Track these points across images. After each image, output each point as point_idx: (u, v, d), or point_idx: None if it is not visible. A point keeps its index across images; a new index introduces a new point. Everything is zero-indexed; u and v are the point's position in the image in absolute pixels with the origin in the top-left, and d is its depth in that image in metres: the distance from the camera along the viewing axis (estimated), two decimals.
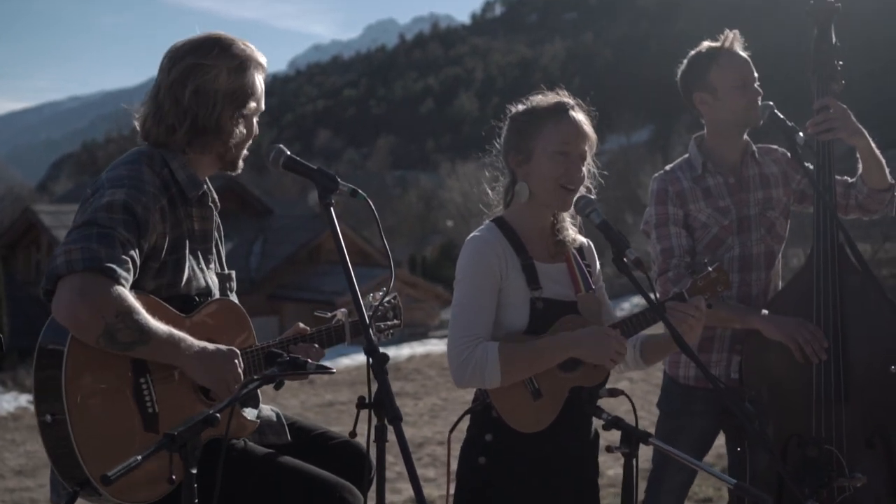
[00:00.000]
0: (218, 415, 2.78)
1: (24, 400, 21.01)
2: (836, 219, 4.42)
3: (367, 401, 2.98)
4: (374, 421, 3.02)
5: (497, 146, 3.88)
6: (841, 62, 4.55)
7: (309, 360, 3.06)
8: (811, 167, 4.54)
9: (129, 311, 3.15)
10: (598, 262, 4.01)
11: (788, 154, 4.73)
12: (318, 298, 39.63)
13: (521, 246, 3.75)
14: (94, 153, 72.62)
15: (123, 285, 3.18)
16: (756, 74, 4.60)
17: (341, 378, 22.05)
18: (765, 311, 4.48)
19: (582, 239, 3.95)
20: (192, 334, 3.34)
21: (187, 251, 3.47)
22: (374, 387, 2.89)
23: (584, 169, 3.75)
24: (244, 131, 3.56)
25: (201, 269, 3.54)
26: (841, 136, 4.45)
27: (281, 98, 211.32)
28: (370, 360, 2.86)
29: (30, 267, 40.03)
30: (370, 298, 3.82)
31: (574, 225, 3.91)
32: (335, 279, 40.92)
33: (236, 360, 3.36)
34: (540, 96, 3.84)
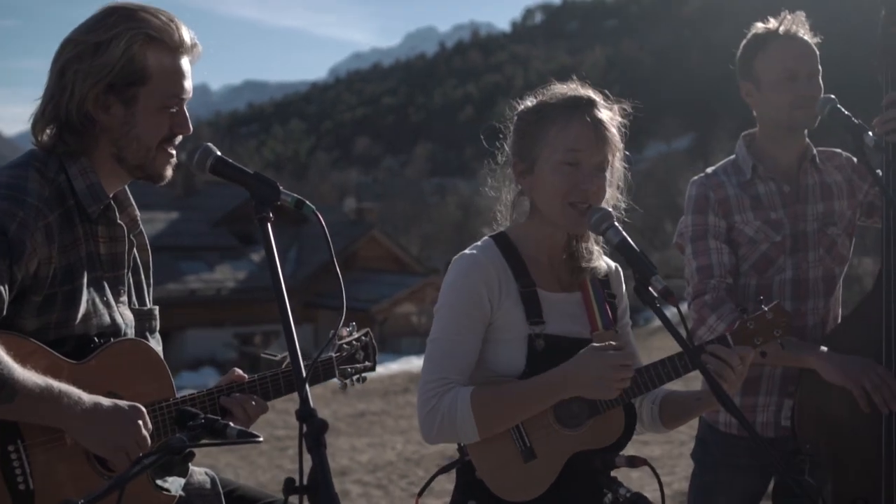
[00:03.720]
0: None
1: None
2: None
3: (296, 484, 2.22)
4: None
5: (507, 148, 3.19)
6: None
7: (230, 424, 2.36)
8: (881, 173, 3.77)
9: None
10: (625, 293, 3.29)
11: (854, 159, 4.03)
12: (355, 306, 39.37)
13: (523, 269, 3.06)
14: None
15: None
16: (818, 66, 3.87)
17: (373, 387, 21.81)
18: (823, 348, 3.76)
19: (609, 264, 3.23)
20: (85, 385, 2.62)
21: (85, 280, 2.75)
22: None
23: (608, 181, 3.04)
24: (134, 121, 2.82)
25: (106, 304, 2.82)
26: None
27: (320, 106, 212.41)
28: (303, 427, 2.14)
29: None
30: (335, 336, 3.12)
31: (601, 248, 3.20)
32: (371, 287, 40.76)
33: (140, 421, 2.63)
34: (556, 88, 3.12)
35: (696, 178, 4.06)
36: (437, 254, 59.71)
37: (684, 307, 3.52)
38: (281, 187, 2.58)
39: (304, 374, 2.25)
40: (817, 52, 3.91)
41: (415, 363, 31.28)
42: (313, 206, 2.62)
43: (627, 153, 3.16)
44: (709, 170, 4.08)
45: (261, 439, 2.38)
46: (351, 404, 18.93)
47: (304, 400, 2.18)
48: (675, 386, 3.13)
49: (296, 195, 2.59)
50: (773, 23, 3.91)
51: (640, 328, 29.34)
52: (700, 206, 3.95)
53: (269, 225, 2.50)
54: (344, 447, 14.71)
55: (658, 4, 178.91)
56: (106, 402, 2.62)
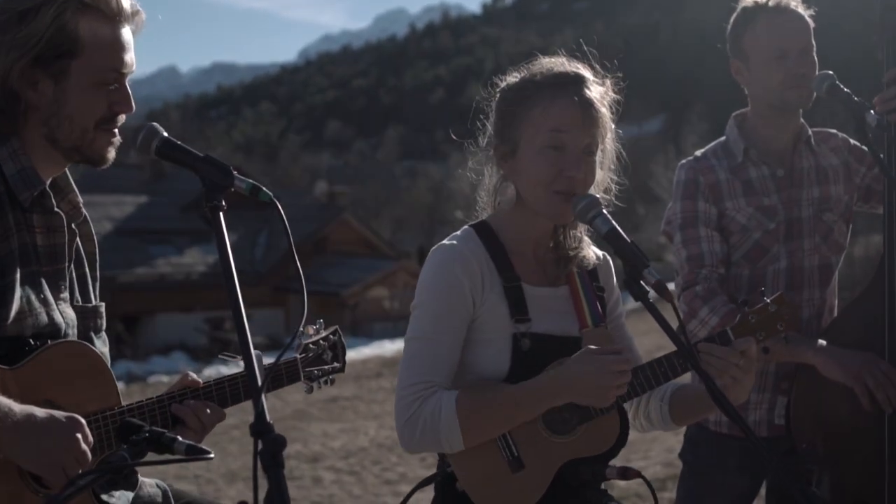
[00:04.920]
0: None
1: None
2: None
3: None
4: None
5: (489, 128, 2.92)
6: None
7: (178, 438, 2.10)
8: (882, 156, 3.53)
9: None
10: (615, 285, 3.04)
11: (851, 141, 3.81)
12: (325, 290, 39.16)
13: (507, 262, 2.80)
14: None
15: None
16: (811, 41, 3.64)
17: (346, 372, 21.56)
18: (821, 342, 3.53)
19: (596, 254, 2.97)
20: (17, 394, 2.34)
21: (18, 276, 2.46)
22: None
23: (597, 165, 2.79)
24: (64, 99, 2.51)
25: (44, 301, 2.52)
26: None
27: (291, 88, 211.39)
28: (259, 444, 1.88)
29: None
30: (300, 335, 2.86)
31: (590, 238, 2.94)
32: (342, 271, 40.63)
33: (78, 434, 2.34)
34: (542, 63, 2.86)
35: (684, 161, 3.82)
36: (409, 237, 59.54)
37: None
38: (235, 172, 2.31)
39: (261, 383, 1.99)
40: (811, 25, 3.67)
41: (387, 347, 31.11)
42: (270, 193, 2.36)
43: (619, 131, 2.91)
44: (698, 153, 3.85)
45: (211, 456, 2.12)
46: (323, 389, 18.68)
47: (259, 414, 1.92)
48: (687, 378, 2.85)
49: (251, 181, 2.33)
50: None
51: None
52: (689, 192, 3.71)
53: (220, 214, 2.22)
54: (316, 433, 14.52)
55: None
56: (40, 412, 2.33)
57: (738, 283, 3.70)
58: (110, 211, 40.96)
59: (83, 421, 2.35)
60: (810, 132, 3.78)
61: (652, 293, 2.52)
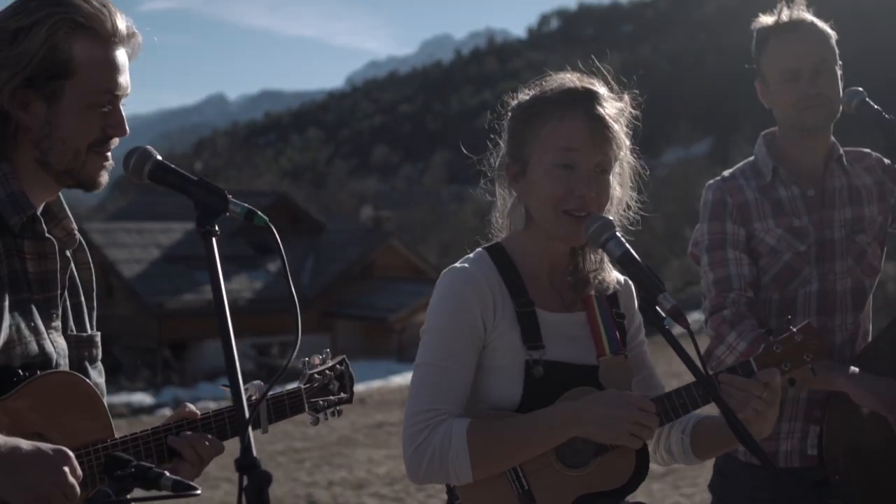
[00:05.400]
0: None
1: None
2: None
3: None
4: None
5: (502, 146, 2.86)
6: None
7: (165, 473, 2.02)
8: None
9: None
10: (637, 310, 2.92)
11: (885, 160, 3.69)
12: (372, 316, 39.22)
13: (520, 286, 2.71)
14: None
15: None
16: (826, 57, 3.54)
17: (392, 398, 21.61)
18: (853, 368, 3.42)
19: (618, 278, 2.87)
20: (5, 426, 2.26)
21: (7, 303, 2.40)
22: None
23: (614, 184, 2.70)
24: (57, 121, 2.44)
25: (34, 330, 2.45)
26: None
27: (338, 114, 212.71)
28: (244, 479, 1.80)
29: None
30: (304, 364, 2.78)
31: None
32: (389, 296, 40.63)
33: (66, 467, 2.25)
34: (553, 79, 2.79)
35: (711, 181, 3.72)
36: (455, 261, 59.52)
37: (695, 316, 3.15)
38: (230, 196, 2.24)
39: (248, 416, 1.91)
40: (829, 39, 3.57)
41: None
42: (265, 217, 2.28)
43: (638, 154, 2.81)
44: (726, 172, 3.75)
45: (198, 492, 2.04)
46: (369, 415, 18.72)
47: (245, 448, 1.85)
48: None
49: (246, 205, 2.26)
50: (773, 15, 3.58)
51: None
52: (717, 213, 3.61)
53: (213, 240, 2.14)
54: (361, 459, 14.47)
55: (673, 8, 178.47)
56: (26, 445, 2.24)
57: (767, 307, 3.58)
58: (158, 238, 41.34)
59: (71, 454, 2.26)
60: (842, 151, 3.67)
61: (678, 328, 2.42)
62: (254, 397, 2.62)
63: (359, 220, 50.45)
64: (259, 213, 2.27)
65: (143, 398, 30.01)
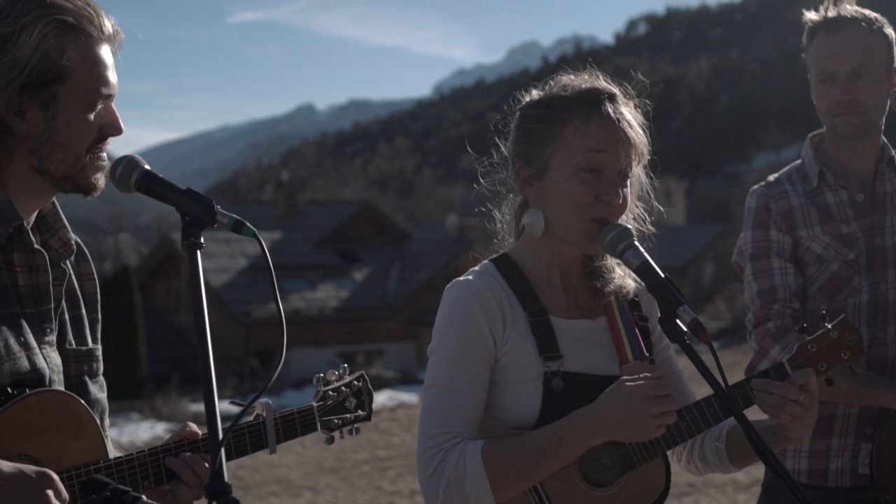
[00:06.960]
0: None
1: (161, 429, 21.00)
2: None
3: None
4: None
5: (504, 149, 2.76)
6: None
7: (142, 497, 1.94)
8: None
9: None
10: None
11: None
12: None
13: (531, 295, 2.58)
14: (236, 181, 74.01)
15: None
16: (867, 60, 3.35)
17: (405, 414, 21.23)
18: None
19: (637, 282, 2.72)
20: None
21: None
22: None
23: (628, 191, 2.57)
24: (56, 126, 2.37)
25: (25, 345, 2.36)
26: None
27: (425, 122, 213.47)
28: None
29: (169, 295, 41.16)
30: (319, 381, 2.70)
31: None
32: None
33: (49, 490, 2.16)
34: (566, 79, 2.66)
35: (755, 187, 3.56)
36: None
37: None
38: (217, 206, 2.16)
39: (221, 440, 1.82)
40: (878, 41, 3.38)
41: None
42: (254, 228, 2.20)
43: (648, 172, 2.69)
44: (771, 177, 3.58)
45: None
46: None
47: (216, 473, 1.76)
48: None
49: (234, 215, 2.18)
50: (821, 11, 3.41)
51: None
52: (760, 220, 3.45)
53: (198, 252, 2.07)
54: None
55: (763, 10, 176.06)
56: (7, 467, 2.15)
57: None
58: (245, 247, 41.70)
59: (55, 476, 2.17)
60: (893, 153, 3.48)
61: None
62: (262, 416, 2.55)
63: (444, 228, 50.41)
64: (247, 223, 2.19)
65: (229, 407, 30.25)
